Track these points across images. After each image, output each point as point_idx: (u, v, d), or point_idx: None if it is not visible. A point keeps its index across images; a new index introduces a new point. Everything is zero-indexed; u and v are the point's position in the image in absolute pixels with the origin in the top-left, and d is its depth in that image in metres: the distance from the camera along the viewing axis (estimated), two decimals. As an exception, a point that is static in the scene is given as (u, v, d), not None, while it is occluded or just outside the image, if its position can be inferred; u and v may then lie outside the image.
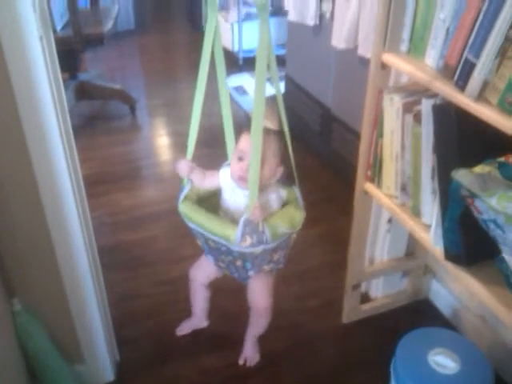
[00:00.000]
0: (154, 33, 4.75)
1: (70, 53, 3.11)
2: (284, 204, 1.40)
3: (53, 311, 1.40)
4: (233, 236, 1.26)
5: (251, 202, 1.24)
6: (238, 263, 1.38)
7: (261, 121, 1.19)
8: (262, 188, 1.31)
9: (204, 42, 1.27)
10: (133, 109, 3.28)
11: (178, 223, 1.40)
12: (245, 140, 1.34)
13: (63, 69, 3.34)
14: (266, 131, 1.30)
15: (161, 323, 1.76)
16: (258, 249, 1.29)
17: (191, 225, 1.37)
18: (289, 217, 1.34)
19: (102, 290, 1.51)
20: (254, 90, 1.18)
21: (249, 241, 1.26)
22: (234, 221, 1.33)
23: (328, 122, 2.54)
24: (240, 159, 1.33)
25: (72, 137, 1.29)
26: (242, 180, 1.33)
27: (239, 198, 1.36)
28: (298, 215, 1.36)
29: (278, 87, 1.34)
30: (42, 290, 1.36)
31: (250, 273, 1.41)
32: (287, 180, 1.42)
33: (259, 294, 1.49)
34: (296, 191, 1.42)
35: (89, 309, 1.42)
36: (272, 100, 1.35)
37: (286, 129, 1.36)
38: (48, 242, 1.29)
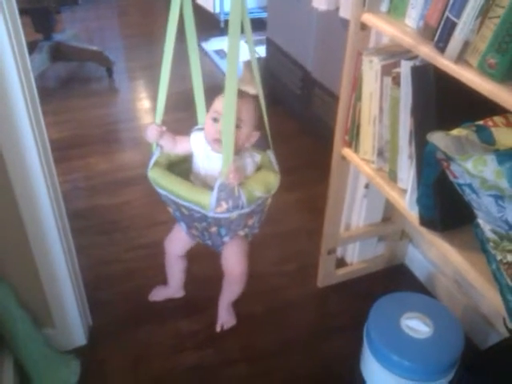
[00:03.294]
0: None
1: (44, 12, 3.02)
2: (258, 168, 1.38)
3: (21, 276, 1.37)
4: (207, 202, 1.23)
5: (226, 166, 1.21)
6: (213, 230, 1.36)
7: (235, 81, 1.14)
8: (237, 152, 1.28)
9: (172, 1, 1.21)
10: (110, 71, 3.20)
11: (153, 188, 1.37)
12: (220, 101, 1.30)
13: (37, 29, 3.25)
14: (243, 94, 1.27)
15: (135, 288, 1.75)
16: (234, 214, 1.27)
17: (162, 191, 1.33)
18: (264, 181, 1.32)
19: (73, 255, 1.49)
20: (227, 49, 1.13)
21: (224, 206, 1.23)
22: (206, 186, 1.31)
23: (308, 85, 2.49)
24: (215, 120, 1.30)
25: (37, 99, 1.25)
26: (216, 142, 1.30)
27: (213, 162, 1.33)
28: (273, 179, 1.34)
29: (252, 50, 1.30)
30: (9, 256, 1.33)
31: (225, 239, 1.40)
32: (262, 144, 1.39)
33: (234, 260, 1.47)
34: (270, 155, 1.39)
35: (58, 273, 1.39)
36: (248, 64, 1.31)
37: (261, 92, 1.32)
38: (14, 207, 1.26)
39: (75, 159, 2.40)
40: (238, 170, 1.24)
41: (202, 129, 1.38)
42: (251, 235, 1.47)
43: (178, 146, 1.39)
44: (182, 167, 1.42)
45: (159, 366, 1.52)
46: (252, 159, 1.36)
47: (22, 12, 1.29)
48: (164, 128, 1.35)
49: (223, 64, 3.24)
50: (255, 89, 1.34)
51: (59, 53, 3.14)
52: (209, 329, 1.62)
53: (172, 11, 1.21)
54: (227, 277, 1.53)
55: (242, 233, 1.41)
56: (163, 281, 1.69)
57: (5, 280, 1.33)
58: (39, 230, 1.31)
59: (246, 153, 1.35)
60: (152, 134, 1.35)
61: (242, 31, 1.16)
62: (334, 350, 1.58)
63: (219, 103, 1.31)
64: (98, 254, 1.88)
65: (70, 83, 3.18)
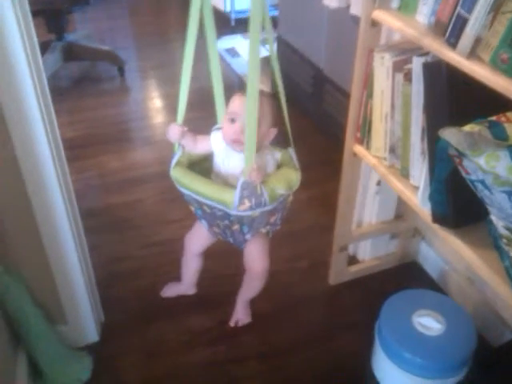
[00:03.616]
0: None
1: (56, 13, 3.05)
2: (278, 166, 1.38)
3: (34, 274, 1.38)
4: (231, 200, 1.24)
5: (248, 165, 1.21)
6: (235, 227, 1.37)
7: (256, 82, 1.15)
8: (257, 149, 1.28)
9: (192, 1, 1.22)
10: (121, 70, 3.22)
11: (166, 186, 1.39)
12: (237, 102, 1.31)
13: (49, 30, 3.27)
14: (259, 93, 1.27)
15: (147, 285, 1.76)
16: (256, 212, 1.27)
17: (184, 191, 1.34)
18: (285, 178, 1.32)
19: (85, 252, 1.50)
20: (249, 51, 1.14)
21: (247, 204, 1.24)
22: (227, 184, 1.31)
23: (320, 83, 2.49)
24: (232, 121, 1.31)
25: (49, 99, 1.26)
26: (235, 142, 1.31)
27: (233, 161, 1.33)
28: (294, 176, 1.34)
29: (272, 48, 1.31)
30: (22, 253, 1.34)
31: (247, 236, 1.40)
32: (281, 142, 1.39)
33: (256, 257, 1.47)
34: (291, 152, 1.40)
35: (71, 270, 1.41)
36: (265, 62, 1.31)
37: (282, 90, 1.32)
38: (27, 205, 1.27)
39: (88, 158, 2.42)
40: (260, 168, 1.24)
41: (221, 128, 1.38)
42: (272, 232, 1.47)
43: (198, 146, 1.39)
44: (202, 166, 1.42)
45: (171, 362, 1.53)
46: (272, 157, 1.36)
47: (35, 13, 1.30)
48: (185, 128, 1.36)
49: (234, 62, 3.25)
50: (268, 87, 1.34)
51: (71, 53, 3.16)
52: (221, 326, 1.63)
53: (192, 10, 1.22)
54: (249, 273, 1.52)
55: (263, 230, 1.42)
56: (176, 278, 1.70)
57: (18, 277, 1.34)
58: (52, 228, 1.32)
59: (266, 150, 1.36)
60: (174, 133, 1.35)
61: (262, 29, 1.17)
62: (346, 347, 1.57)
63: (235, 104, 1.32)
64: (110, 251, 1.89)
65: (82, 83, 3.20)
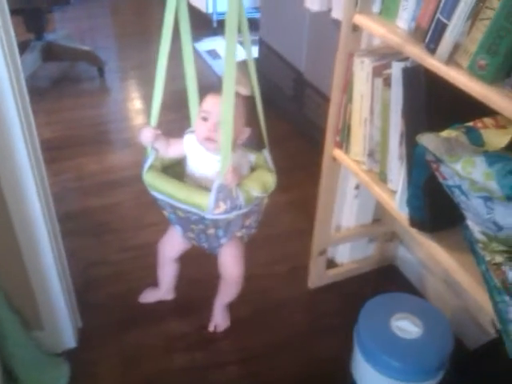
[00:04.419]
0: (125, -8, 4.61)
1: (36, 12, 3.00)
2: (253, 169, 1.38)
3: (10, 278, 1.36)
4: (205, 203, 1.23)
5: (224, 167, 1.20)
6: (210, 231, 1.35)
7: (232, 81, 1.14)
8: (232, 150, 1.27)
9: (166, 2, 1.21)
10: (101, 71, 3.18)
11: (144, 190, 1.37)
12: (210, 100, 1.31)
13: (28, 29, 3.22)
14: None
15: (125, 289, 1.74)
16: (232, 214, 1.26)
17: (158, 195, 1.32)
18: (261, 180, 1.31)
19: (62, 256, 1.47)
20: (225, 49, 1.13)
21: (222, 207, 1.23)
22: (201, 188, 1.30)
23: (301, 86, 2.50)
24: (205, 119, 1.30)
25: (28, 99, 1.24)
26: (208, 141, 1.29)
27: (207, 163, 1.32)
28: (270, 178, 1.33)
29: (249, 50, 1.30)
30: (-2, 257, 1.32)
31: (222, 240, 1.39)
32: (256, 144, 1.39)
33: (231, 262, 1.46)
34: (266, 155, 1.39)
35: (48, 275, 1.38)
36: (245, 64, 1.31)
37: (258, 92, 1.32)
38: (3, 209, 1.25)
39: (65, 160, 2.38)
40: (236, 170, 1.23)
41: (194, 131, 1.37)
42: (247, 236, 1.46)
43: (171, 149, 1.38)
44: (175, 170, 1.41)
45: (150, 367, 1.52)
46: (246, 159, 1.36)
47: (14, 12, 1.28)
48: (159, 131, 1.34)
49: (215, 64, 3.23)
50: (246, 89, 1.34)
51: (51, 53, 3.11)
52: (200, 331, 1.62)
53: (167, 11, 1.21)
54: (224, 279, 1.51)
55: (239, 234, 1.41)
56: (153, 282, 1.68)
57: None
58: (29, 232, 1.30)
59: (240, 151, 1.35)
60: (147, 136, 1.34)
61: (239, 32, 1.16)
62: (325, 351, 1.57)
63: (208, 102, 1.31)
64: (87, 255, 1.86)
65: (61, 83, 3.16)
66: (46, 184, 1.35)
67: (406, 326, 1.29)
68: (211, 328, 1.62)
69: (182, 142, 1.38)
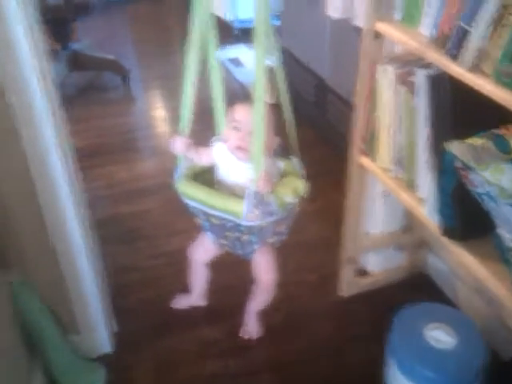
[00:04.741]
0: (145, 1, 4.65)
1: (62, 22, 3.07)
2: (282, 176, 1.40)
3: (48, 283, 1.40)
4: (240, 210, 1.25)
5: (257, 174, 1.23)
6: (245, 238, 1.37)
7: (262, 92, 1.17)
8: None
9: (195, 11, 1.23)
10: (125, 79, 3.24)
11: (173, 197, 1.39)
12: (241, 111, 1.33)
13: (55, 39, 3.26)
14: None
15: (157, 295, 1.77)
16: (265, 221, 1.28)
17: (192, 203, 1.35)
18: (292, 186, 1.34)
19: (98, 261, 1.51)
20: (254, 60, 1.16)
21: (256, 213, 1.25)
22: (233, 195, 1.32)
23: (323, 93, 2.51)
24: (236, 129, 1.32)
25: (60, 109, 1.27)
26: (240, 150, 1.32)
27: (238, 171, 1.34)
28: (300, 184, 1.36)
29: (278, 59, 1.32)
30: (35, 264, 1.36)
31: (256, 246, 1.41)
32: (284, 152, 1.41)
33: (265, 268, 1.48)
34: (295, 162, 1.41)
35: (83, 280, 1.42)
36: (268, 72, 1.33)
37: (287, 100, 1.34)
38: (39, 216, 1.29)
39: (95, 168, 2.43)
40: (268, 177, 1.25)
41: (221, 139, 1.40)
42: (279, 242, 1.48)
43: (203, 157, 1.41)
44: (205, 177, 1.43)
45: (183, 373, 1.54)
46: (276, 166, 1.38)
47: (42, 22, 1.32)
48: (190, 140, 1.37)
49: (238, 72, 3.27)
50: (271, 97, 1.36)
51: (77, 62, 3.18)
52: (232, 337, 1.62)
53: (195, 21, 1.23)
54: (258, 284, 1.53)
55: (271, 240, 1.43)
56: (184, 288, 1.70)
57: (33, 288, 1.36)
58: (65, 238, 1.34)
59: (270, 159, 1.36)
60: (179, 146, 1.37)
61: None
62: (356, 360, 1.57)
63: (239, 113, 1.33)
64: (119, 262, 1.90)
65: (87, 92, 3.22)
66: (81, 190, 1.39)
67: (440, 336, 1.27)
68: (243, 335, 1.62)
69: (211, 151, 1.40)
